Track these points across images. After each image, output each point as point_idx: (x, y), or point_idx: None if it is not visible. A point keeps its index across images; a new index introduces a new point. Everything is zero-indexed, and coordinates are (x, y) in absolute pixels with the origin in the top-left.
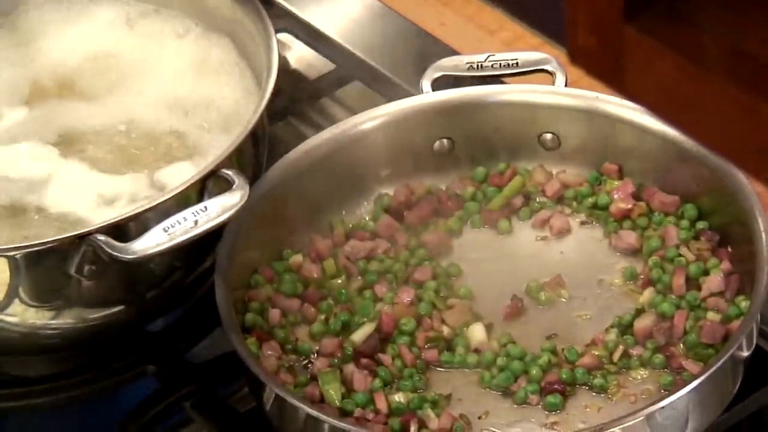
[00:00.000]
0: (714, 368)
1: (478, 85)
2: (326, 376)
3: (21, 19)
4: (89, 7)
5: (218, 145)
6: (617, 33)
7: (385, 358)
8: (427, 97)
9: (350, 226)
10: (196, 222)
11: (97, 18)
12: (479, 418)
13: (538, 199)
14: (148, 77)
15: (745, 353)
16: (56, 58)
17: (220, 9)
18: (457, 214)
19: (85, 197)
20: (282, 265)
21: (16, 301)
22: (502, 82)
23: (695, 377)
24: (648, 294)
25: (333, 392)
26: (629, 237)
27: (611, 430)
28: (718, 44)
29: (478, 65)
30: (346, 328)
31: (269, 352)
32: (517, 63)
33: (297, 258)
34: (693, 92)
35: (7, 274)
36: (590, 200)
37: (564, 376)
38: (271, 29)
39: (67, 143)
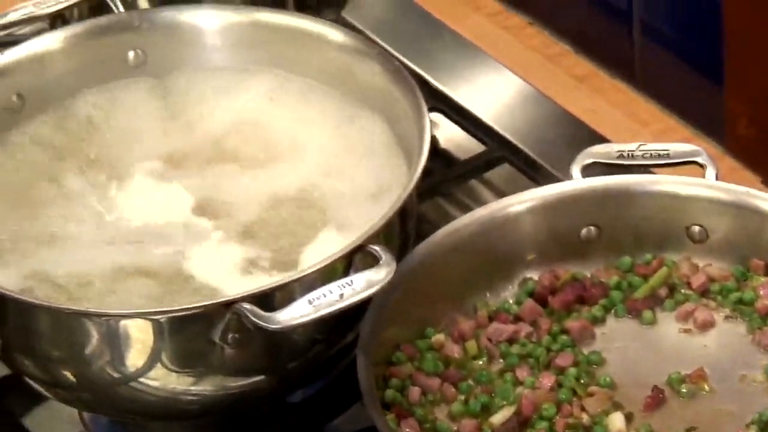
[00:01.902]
0: None
1: (627, 173)
2: None
3: (171, 84)
4: (241, 76)
5: (364, 221)
6: None
7: None
8: (577, 183)
9: (494, 308)
10: (341, 295)
11: (247, 87)
12: None
13: (683, 291)
14: (296, 150)
15: None
16: (205, 125)
17: (374, 85)
18: (601, 302)
19: (224, 265)
20: (424, 343)
21: (159, 365)
22: (652, 173)
23: None
24: None
25: None
26: None
27: None
28: None
29: (628, 154)
30: (486, 410)
31: (408, 430)
32: (668, 154)
33: (439, 337)
34: None
35: (151, 337)
36: (735, 295)
37: None
38: (425, 108)
39: (210, 210)
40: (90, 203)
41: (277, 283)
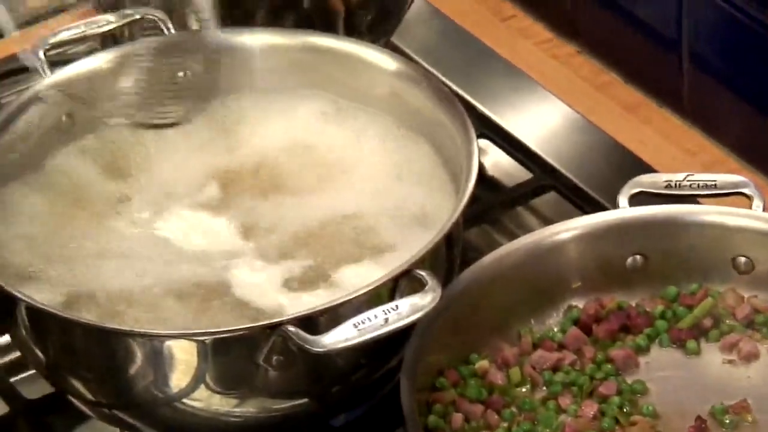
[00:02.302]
0: None
1: (674, 203)
2: None
3: (219, 107)
4: (291, 98)
5: (410, 246)
6: None
7: None
8: (624, 212)
9: (538, 335)
10: (386, 320)
11: (297, 110)
12: None
13: (727, 322)
14: (344, 173)
15: None
16: (253, 148)
17: (423, 111)
18: (646, 332)
19: (270, 286)
20: (468, 369)
21: (202, 386)
22: (699, 203)
23: None
24: None
25: None
26: None
27: None
28: None
29: (676, 184)
30: None
31: None
32: (715, 184)
33: (483, 363)
34: None
35: (196, 358)
36: None
37: None
38: (473, 134)
39: (256, 230)
40: (136, 223)
41: (323, 307)
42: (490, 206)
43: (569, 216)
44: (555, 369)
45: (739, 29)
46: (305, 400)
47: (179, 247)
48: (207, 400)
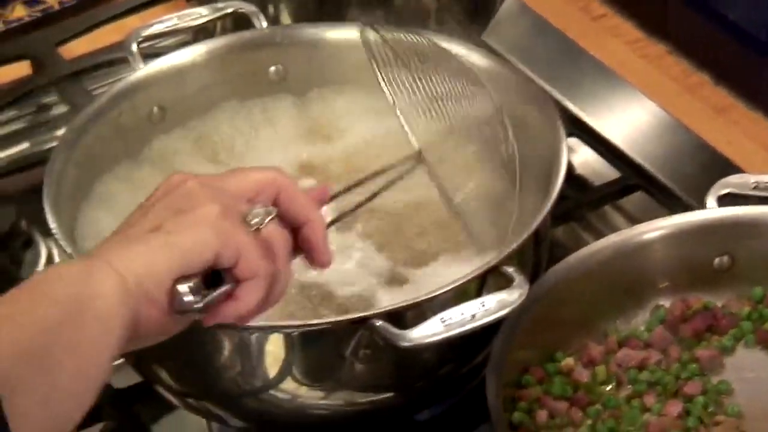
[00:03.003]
0: None
1: (762, 204)
2: None
3: (311, 101)
4: (379, 94)
5: (494, 241)
6: None
7: None
8: (712, 212)
9: (624, 334)
10: (473, 316)
11: (386, 105)
12: None
13: None
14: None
15: None
16: (342, 142)
17: (512, 107)
18: (732, 332)
19: (359, 276)
20: (553, 366)
21: (289, 378)
22: None
23: None
24: None
25: None
26: None
27: None
28: None
29: (764, 185)
30: None
31: None
32: None
33: (569, 361)
34: None
35: (283, 351)
36: None
37: None
38: (563, 133)
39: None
40: None
41: (411, 301)
42: (578, 204)
43: (656, 216)
44: (640, 368)
45: None
46: (390, 394)
47: None
48: (293, 392)
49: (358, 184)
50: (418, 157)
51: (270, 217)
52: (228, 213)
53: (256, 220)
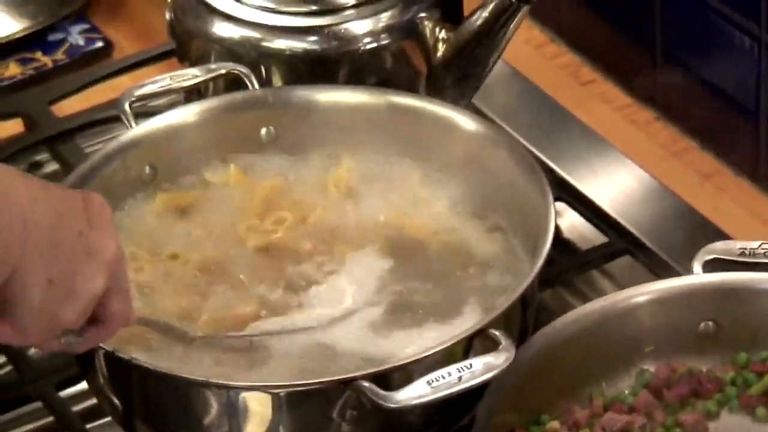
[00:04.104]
0: None
1: (748, 271)
2: None
3: (301, 162)
4: (374, 157)
5: (483, 306)
6: None
7: None
8: (698, 278)
9: (609, 398)
10: (460, 378)
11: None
12: None
13: None
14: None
15: None
16: (321, 206)
17: (501, 172)
18: (716, 397)
19: (352, 335)
20: (539, 429)
21: None
22: None
23: None
24: None
25: None
26: None
27: None
28: None
29: (750, 251)
30: None
31: None
32: None
33: (554, 425)
34: None
35: (270, 411)
36: None
37: None
38: (550, 197)
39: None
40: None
41: (397, 363)
42: (565, 269)
43: (643, 280)
44: (625, 431)
45: None
46: None
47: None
48: None
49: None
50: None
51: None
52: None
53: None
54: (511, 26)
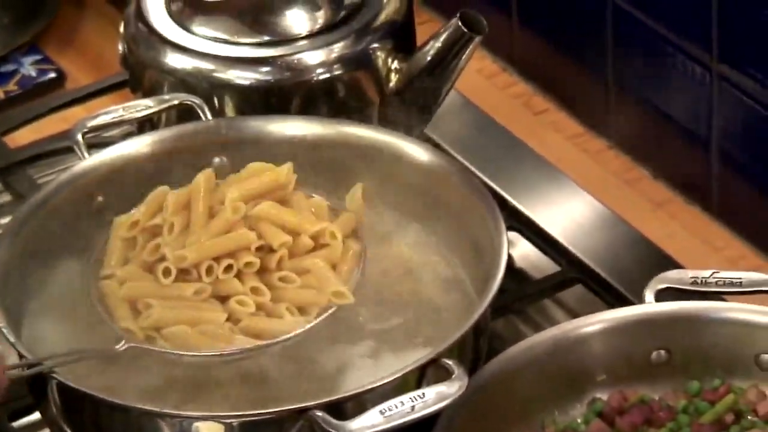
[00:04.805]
0: None
1: (700, 300)
2: None
3: None
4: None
5: (435, 335)
6: None
7: None
8: (650, 307)
9: (561, 426)
10: (413, 407)
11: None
12: None
13: (749, 418)
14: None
15: None
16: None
17: (453, 202)
18: (668, 426)
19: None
20: None
21: None
22: (723, 299)
23: None
24: None
25: None
26: None
27: None
28: None
29: (702, 281)
30: None
31: None
32: (740, 282)
33: None
34: None
35: None
36: None
37: None
38: (503, 227)
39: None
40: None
41: (350, 393)
42: (518, 298)
43: (595, 309)
44: None
45: (767, 128)
46: None
47: None
48: None
49: None
50: None
51: None
52: None
53: None
54: (464, 56)
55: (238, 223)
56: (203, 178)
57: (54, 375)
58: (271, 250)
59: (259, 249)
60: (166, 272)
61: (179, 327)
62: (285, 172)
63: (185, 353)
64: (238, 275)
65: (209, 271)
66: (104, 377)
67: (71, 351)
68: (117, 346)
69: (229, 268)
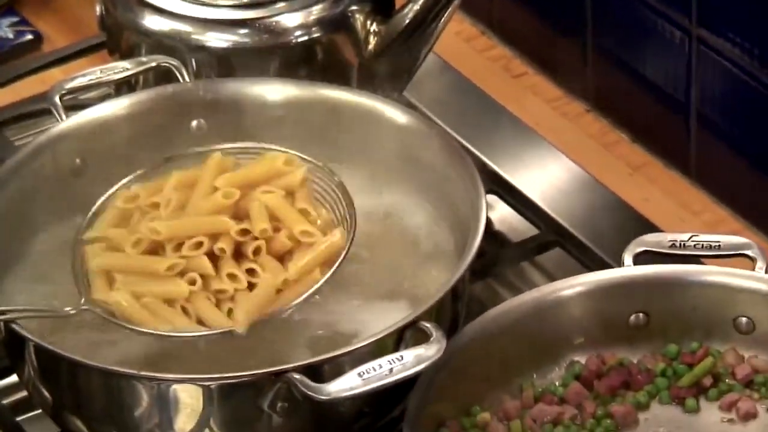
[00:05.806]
0: None
1: (678, 263)
2: None
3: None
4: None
5: (415, 296)
6: None
7: None
8: (628, 270)
9: (540, 389)
10: (391, 370)
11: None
12: None
13: (727, 381)
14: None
15: None
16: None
17: (433, 165)
18: (646, 388)
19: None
20: (469, 421)
21: (207, 430)
22: (702, 263)
23: None
24: None
25: None
26: None
27: None
28: None
29: (680, 244)
30: None
31: None
32: (719, 245)
33: (485, 416)
34: None
35: (201, 403)
36: None
37: None
38: (482, 189)
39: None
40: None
41: (328, 355)
42: (496, 261)
43: (574, 273)
44: (555, 423)
45: (746, 92)
46: None
47: None
48: None
49: None
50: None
51: None
52: None
53: None
54: (443, 19)
55: (228, 208)
56: (213, 161)
57: (30, 337)
58: (255, 238)
59: (245, 234)
60: (137, 243)
61: (130, 301)
62: (299, 177)
63: (135, 328)
64: (216, 260)
65: (178, 247)
66: (75, 342)
67: (26, 307)
68: (68, 309)
69: (198, 245)
